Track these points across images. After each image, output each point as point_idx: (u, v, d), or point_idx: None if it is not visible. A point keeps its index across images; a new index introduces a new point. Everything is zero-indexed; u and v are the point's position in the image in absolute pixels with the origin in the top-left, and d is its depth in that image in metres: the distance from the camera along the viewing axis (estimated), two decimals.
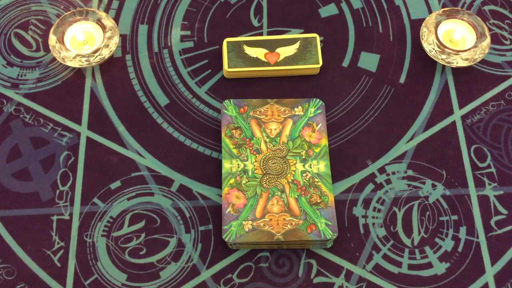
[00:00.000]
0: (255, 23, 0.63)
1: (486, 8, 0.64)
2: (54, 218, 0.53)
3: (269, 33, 0.62)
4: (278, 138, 0.53)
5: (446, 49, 0.58)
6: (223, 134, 0.54)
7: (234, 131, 0.54)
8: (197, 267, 0.51)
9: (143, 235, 0.52)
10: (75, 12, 0.60)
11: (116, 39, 0.60)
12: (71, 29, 0.60)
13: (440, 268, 0.52)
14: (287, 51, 0.57)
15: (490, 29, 0.62)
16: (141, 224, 0.53)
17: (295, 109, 0.55)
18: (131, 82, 0.60)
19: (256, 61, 0.58)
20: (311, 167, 0.52)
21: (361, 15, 0.64)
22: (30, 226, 0.53)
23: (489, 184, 0.55)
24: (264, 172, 0.52)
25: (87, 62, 0.58)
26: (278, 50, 0.58)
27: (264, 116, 0.55)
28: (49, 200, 0.54)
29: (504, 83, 0.60)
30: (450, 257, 0.52)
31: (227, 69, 0.58)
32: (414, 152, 0.56)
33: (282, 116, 0.55)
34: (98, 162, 0.56)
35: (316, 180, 0.52)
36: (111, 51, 0.59)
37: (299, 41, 0.58)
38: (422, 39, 0.60)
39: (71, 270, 0.51)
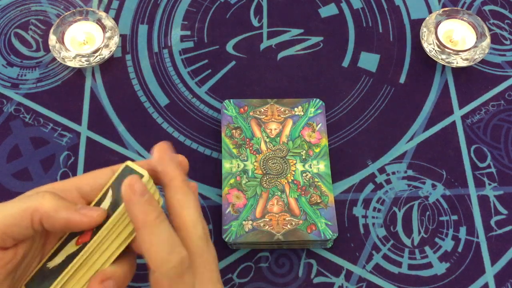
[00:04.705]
0: (255, 23, 0.63)
1: (486, 8, 0.64)
2: None
3: (269, 33, 0.62)
4: (278, 138, 0.53)
5: (446, 49, 0.58)
6: (223, 134, 0.54)
7: (234, 131, 0.54)
8: None
9: None
10: (75, 12, 0.60)
11: (116, 39, 0.60)
12: (71, 29, 0.60)
13: (440, 268, 0.52)
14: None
15: (490, 29, 0.62)
16: None
17: (295, 109, 0.55)
18: (131, 82, 0.60)
19: None
20: (311, 167, 0.52)
21: (361, 15, 0.64)
22: None
23: (489, 184, 0.55)
24: (264, 172, 0.52)
25: (87, 62, 0.58)
26: None
27: (264, 116, 0.55)
28: None
29: (504, 83, 0.60)
30: (450, 257, 0.52)
31: None
32: (414, 152, 0.56)
33: (282, 116, 0.55)
34: (98, 162, 0.56)
35: (316, 180, 0.51)
36: (111, 51, 0.59)
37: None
38: (422, 39, 0.60)
39: None
